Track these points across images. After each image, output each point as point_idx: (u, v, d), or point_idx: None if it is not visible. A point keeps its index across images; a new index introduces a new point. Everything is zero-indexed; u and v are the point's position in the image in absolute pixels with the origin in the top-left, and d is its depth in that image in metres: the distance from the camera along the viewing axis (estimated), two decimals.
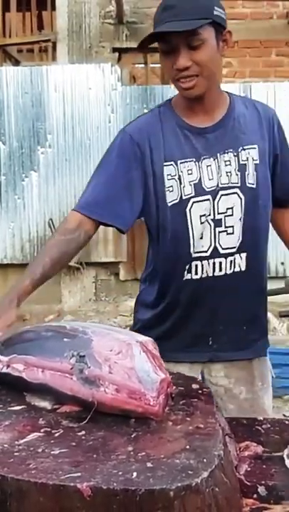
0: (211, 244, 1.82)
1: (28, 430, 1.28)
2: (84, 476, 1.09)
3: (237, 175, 1.81)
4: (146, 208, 1.84)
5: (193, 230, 1.80)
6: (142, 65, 9.69)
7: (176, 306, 1.89)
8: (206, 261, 1.82)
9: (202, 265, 1.83)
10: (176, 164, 1.80)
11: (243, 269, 1.85)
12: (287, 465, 1.38)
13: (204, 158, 1.80)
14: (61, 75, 6.86)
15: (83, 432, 1.27)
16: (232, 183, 1.81)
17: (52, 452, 1.18)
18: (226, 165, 1.80)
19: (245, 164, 1.82)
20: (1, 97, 6.94)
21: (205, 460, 1.12)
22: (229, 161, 1.80)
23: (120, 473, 1.09)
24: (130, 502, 1.05)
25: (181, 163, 1.79)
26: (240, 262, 1.84)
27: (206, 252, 1.82)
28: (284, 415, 3.97)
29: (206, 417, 1.32)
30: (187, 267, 1.83)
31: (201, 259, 1.82)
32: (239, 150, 1.82)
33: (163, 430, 1.27)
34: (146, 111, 6.59)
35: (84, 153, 6.93)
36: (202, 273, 1.83)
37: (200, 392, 1.46)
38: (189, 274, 1.84)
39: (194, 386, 1.50)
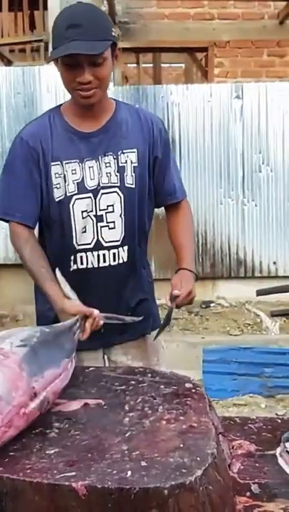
0: (94, 238, 2.01)
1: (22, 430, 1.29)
2: (79, 475, 1.10)
3: (116, 176, 2.01)
4: (40, 203, 2.02)
5: (75, 223, 1.99)
6: (134, 65, 9.70)
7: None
8: (90, 252, 2.01)
9: (86, 256, 2.01)
10: (62, 164, 1.98)
11: (125, 260, 2.05)
12: (280, 463, 1.39)
13: (87, 160, 1.99)
14: (54, 75, 6.82)
15: (78, 432, 1.28)
16: (112, 182, 2.00)
17: (47, 452, 1.20)
18: (106, 166, 2.00)
19: (124, 166, 2.01)
20: None
21: (198, 458, 1.14)
22: (109, 162, 2.00)
23: (115, 472, 1.10)
24: (125, 500, 1.06)
25: (66, 163, 1.98)
26: (123, 254, 2.04)
27: (89, 244, 2.01)
28: (276, 414, 3.98)
29: (199, 415, 1.33)
30: (72, 257, 2.01)
31: (85, 250, 2.01)
32: (119, 153, 2.01)
33: (157, 429, 1.28)
34: None
35: None
36: (87, 263, 2.02)
37: (193, 391, 1.47)
38: (75, 265, 2.02)
39: (187, 385, 1.51)
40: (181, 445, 1.19)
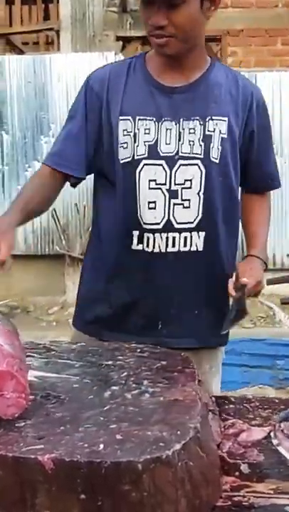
0: (164, 217, 1.70)
1: None
2: (47, 448, 1.01)
3: (200, 145, 1.69)
4: (98, 162, 1.76)
5: (140, 193, 1.69)
6: None
7: (125, 279, 1.76)
8: (158, 234, 1.70)
9: (154, 238, 1.71)
10: (134, 120, 1.68)
11: (200, 249, 1.73)
12: (273, 443, 1.30)
13: (165, 120, 1.68)
14: (64, 63, 6.77)
15: (53, 405, 1.19)
16: (194, 153, 1.69)
17: (16, 424, 1.11)
18: (190, 133, 1.68)
19: (210, 135, 1.69)
20: (4, 87, 6.86)
21: (179, 432, 1.05)
22: (194, 129, 1.68)
23: (86, 445, 1.02)
24: (95, 475, 0.97)
25: (139, 119, 1.68)
26: (198, 241, 1.73)
27: (158, 224, 1.70)
28: None
29: (186, 390, 1.24)
30: (137, 234, 1.71)
31: (153, 231, 1.70)
32: (207, 119, 1.69)
33: (139, 403, 1.19)
34: None
35: None
36: (154, 247, 1.71)
37: (183, 366, 1.38)
38: (140, 245, 1.71)
39: (178, 361, 1.42)
40: (163, 419, 1.10)
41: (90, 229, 1.92)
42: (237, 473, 1.18)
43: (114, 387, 1.26)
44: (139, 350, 1.49)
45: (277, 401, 1.53)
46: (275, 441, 1.30)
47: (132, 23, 7.24)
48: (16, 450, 1.01)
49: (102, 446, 1.01)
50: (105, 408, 1.16)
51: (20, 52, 8.41)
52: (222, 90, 1.73)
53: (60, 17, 7.18)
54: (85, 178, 1.80)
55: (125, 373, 1.34)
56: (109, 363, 1.42)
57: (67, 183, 1.80)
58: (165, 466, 0.98)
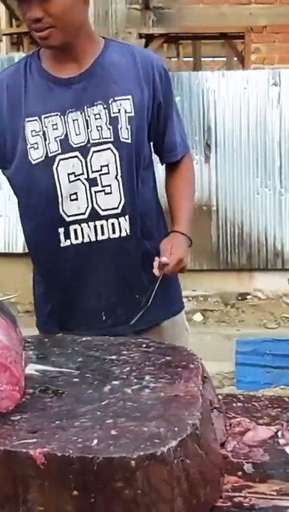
0: (88, 206, 1.69)
1: None
2: (39, 442, 0.98)
3: (109, 129, 1.68)
4: (8, 167, 1.74)
5: (61, 189, 1.69)
6: (174, 59, 9.53)
7: (60, 276, 1.77)
8: (85, 224, 1.70)
9: (82, 229, 1.70)
10: (41, 119, 1.68)
11: (130, 233, 1.72)
12: (280, 442, 1.26)
13: (70, 112, 1.68)
14: None
15: (51, 399, 1.16)
16: (104, 138, 1.68)
17: (11, 418, 1.08)
18: (96, 118, 1.68)
19: (116, 117, 1.68)
20: None
21: (176, 429, 1.01)
22: (99, 114, 1.68)
23: (80, 440, 0.98)
24: (87, 471, 0.94)
25: (45, 117, 1.68)
26: (126, 226, 1.72)
27: (83, 214, 1.70)
28: None
29: (188, 386, 1.20)
30: (62, 230, 1.71)
31: (79, 222, 1.70)
32: (110, 102, 1.68)
33: (139, 398, 1.15)
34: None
35: None
36: (83, 238, 1.71)
37: (188, 362, 1.34)
38: (68, 240, 1.71)
39: (183, 357, 1.38)
40: (161, 415, 1.06)
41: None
42: (240, 473, 1.14)
43: (114, 382, 1.23)
44: (144, 345, 1.45)
45: (287, 400, 1.48)
46: (281, 441, 1.26)
47: (155, 21, 7.19)
48: (8, 444, 0.98)
49: (95, 441, 0.97)
50: (103, 403, 1.13)
51: None
52: (120, 69, 1.72)
53: None
54: None
55: (128, 368, 1.30)
56: (113, 357, 1.39)
57: None
58: (160, 463, 0.94)
